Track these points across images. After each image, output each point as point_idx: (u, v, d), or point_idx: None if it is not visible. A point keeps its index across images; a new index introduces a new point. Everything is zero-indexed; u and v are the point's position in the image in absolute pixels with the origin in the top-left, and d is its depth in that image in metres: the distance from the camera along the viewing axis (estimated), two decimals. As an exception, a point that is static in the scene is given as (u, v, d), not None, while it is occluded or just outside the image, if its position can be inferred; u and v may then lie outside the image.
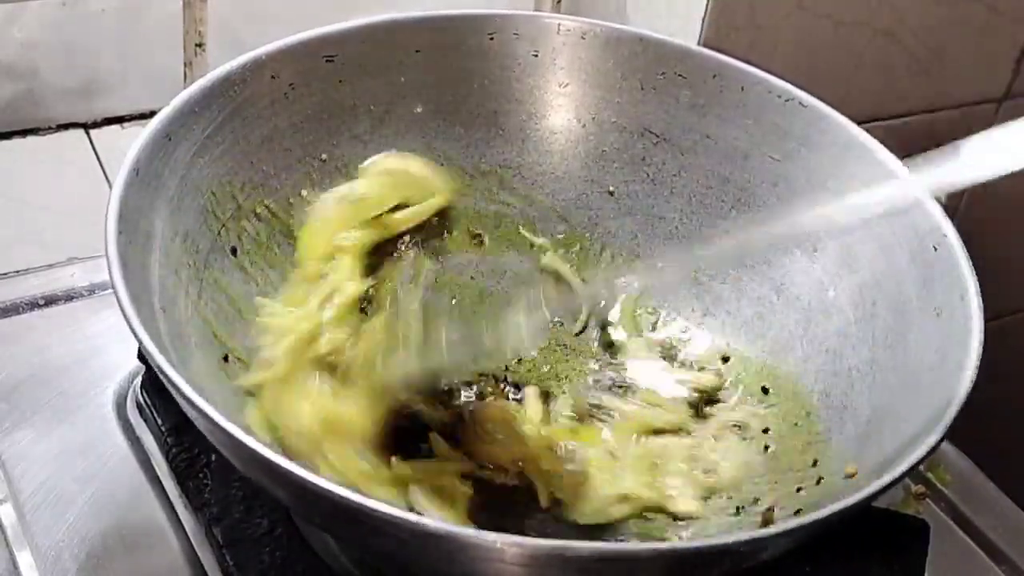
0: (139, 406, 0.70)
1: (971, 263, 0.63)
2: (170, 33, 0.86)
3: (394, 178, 0.72)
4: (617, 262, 0.76)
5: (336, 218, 0.70)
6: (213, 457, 0.65)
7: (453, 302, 0.75)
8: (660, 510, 0.65)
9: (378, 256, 0.72)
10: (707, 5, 0.89)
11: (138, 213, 0.60)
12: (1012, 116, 1.08)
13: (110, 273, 0.55)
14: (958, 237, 0.65)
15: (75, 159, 0.87)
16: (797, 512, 0.62)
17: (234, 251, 0.67)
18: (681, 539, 0.63)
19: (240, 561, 0.62)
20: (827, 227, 0.70)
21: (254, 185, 0.69)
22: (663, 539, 0.64)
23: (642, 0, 0.95)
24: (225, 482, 0.64)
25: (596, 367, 0.74)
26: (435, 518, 0.60)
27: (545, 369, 0.73)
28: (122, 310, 0.54)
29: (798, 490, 0.64)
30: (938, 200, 0.65)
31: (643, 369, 0.73)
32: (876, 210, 0.66)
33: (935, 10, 0.98)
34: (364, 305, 0.70)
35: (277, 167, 0.70)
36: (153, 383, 0.69)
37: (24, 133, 0.87)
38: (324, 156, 0.72)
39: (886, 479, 0.53)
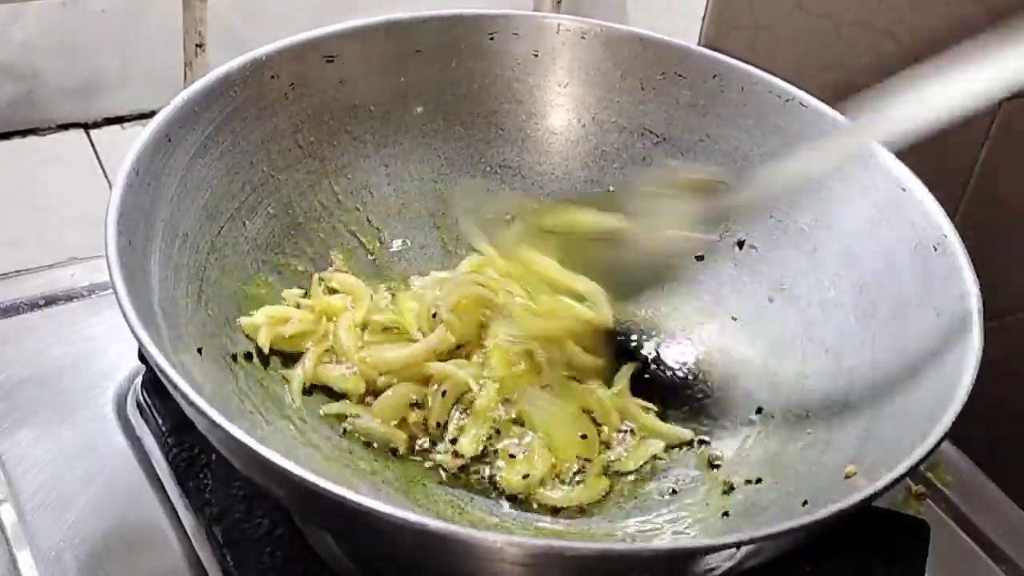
0: (139, 406, 0.70)
1: (971, 263, 0.63)
2: (170, 33, 0.86)
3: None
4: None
5: None
6: (213, 457, 0.65)
7: None
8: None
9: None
10: (707, 5, 0.89)
11: (138, 213, 0.60)
12: (1012, 116, 1.09)
13: (110, 273, 0.55)
14: (958, 237, 0.65)
15: (75, 159, 0.87)
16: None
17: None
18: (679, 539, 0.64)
19: (240, 561, 0.62)
20: (827, 226, 0.70)
21: (254, 185, 0.69)
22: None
23: (642, 0, 0.95)
24: (225, 482, 0.64)
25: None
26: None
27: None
28: (122, 310, 0.54)
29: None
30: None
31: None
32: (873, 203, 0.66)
33: (935, 10, 0.98)
34: None
35: (277, 167, 0.70)
36: (153, 383, 0.69)
37: (24, 133, 0.88)
38: (324, 156, 0.72)
39: (886, 479, 0.53)
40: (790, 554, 0.54)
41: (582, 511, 0.65)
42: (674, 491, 0.66)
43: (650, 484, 0.67)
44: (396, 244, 0.75)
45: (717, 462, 0.68)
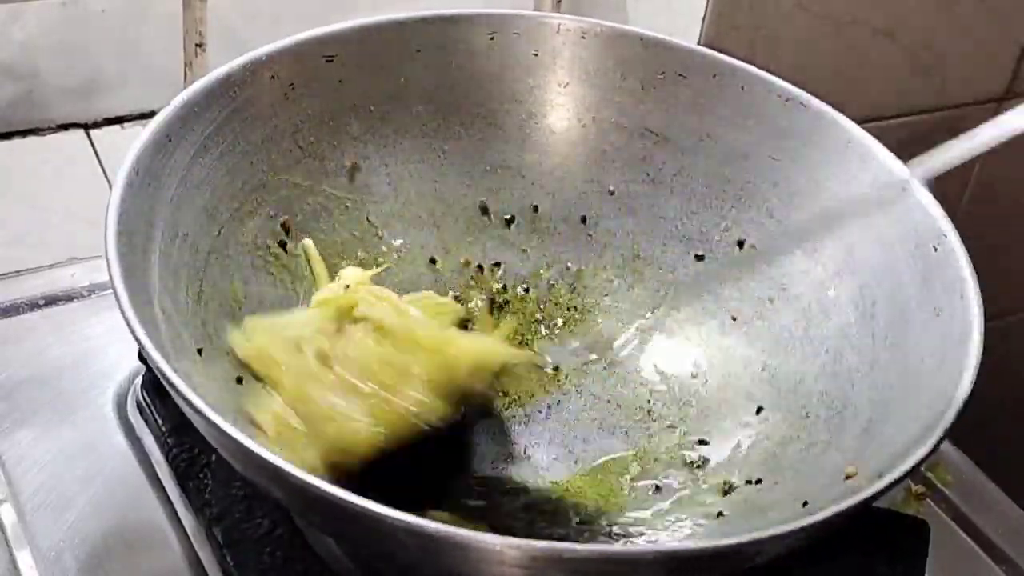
0: (139, 406, 0.70)
1: (971, 263, 0.63)
2: (170, 33, 0.86)
3: None
4: (617, 262, 0.76)
5: None
6: (213, 457, 0.65)
7: None
8: None
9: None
10: (707, 5, 0.89)
11: (138, 213, 0.60)
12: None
13: (110, 273, 0.55)
14: (958, 237, 0.65)
15: (75, 159, 0.87)
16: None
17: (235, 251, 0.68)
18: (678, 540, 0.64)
19: (240, 561, 0.62)
20: (827, 226, 0.70)
21: (254, 185, 0.69)
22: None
23: (642, 0, 0.95)
24: (225, 482, 0.65)
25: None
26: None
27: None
28: (122, 310, 0.54)
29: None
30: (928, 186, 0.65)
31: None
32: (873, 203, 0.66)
33: (935, 10, 0.98)
34: None
35: (277, 167, 0.70)
36: (153, 383, 0.69)
37: (24, 133, 0.88)
38: (324, 156, 0.72)
39: (886, 480, 0.53)
40: (791, 554, 0.54)
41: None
42: (673, 491, 0.66)
43: (648, 484, 0.67)
44: (396, 244, 0.75)
45: (716, 462, 0.68)
